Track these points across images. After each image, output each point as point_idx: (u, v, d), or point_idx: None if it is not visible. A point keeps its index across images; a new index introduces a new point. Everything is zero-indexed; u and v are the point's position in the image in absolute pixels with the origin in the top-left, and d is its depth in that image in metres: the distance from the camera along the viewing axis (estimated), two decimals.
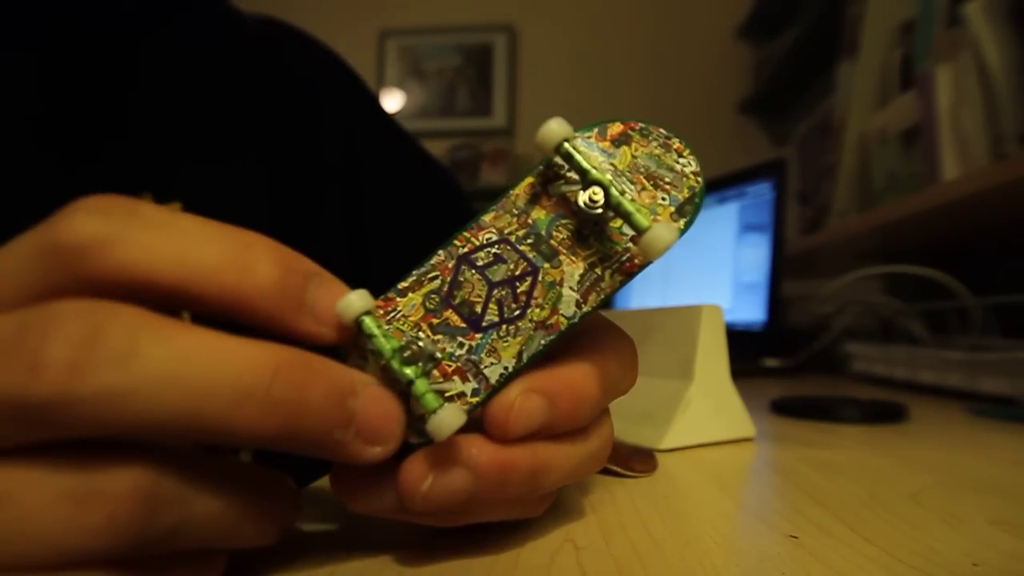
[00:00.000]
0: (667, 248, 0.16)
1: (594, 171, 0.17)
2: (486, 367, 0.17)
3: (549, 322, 0.17)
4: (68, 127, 0.31)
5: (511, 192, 0.18)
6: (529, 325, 0.17)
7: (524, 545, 0.19)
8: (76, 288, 0.13)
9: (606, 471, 0.28)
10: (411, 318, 0.17)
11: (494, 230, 0.17)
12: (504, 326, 0.17)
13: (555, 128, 0.17)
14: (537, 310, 0.17)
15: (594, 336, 0.19)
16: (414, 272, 0.17)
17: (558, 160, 0.17)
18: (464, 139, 1.89)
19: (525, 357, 0.17)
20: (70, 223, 0.13)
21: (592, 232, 0.17)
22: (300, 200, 0.40)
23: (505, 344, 0.17)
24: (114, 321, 0.12)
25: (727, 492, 0.26)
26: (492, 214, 0.18)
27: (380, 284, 0.18)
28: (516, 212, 0.18)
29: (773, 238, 0.97)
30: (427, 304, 0.17)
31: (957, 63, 0.69)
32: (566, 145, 0.17)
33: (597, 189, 0.17)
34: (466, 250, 0.17)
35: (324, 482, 0.26)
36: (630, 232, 0.17)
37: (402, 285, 0.17)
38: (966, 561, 0.18)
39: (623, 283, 0.17)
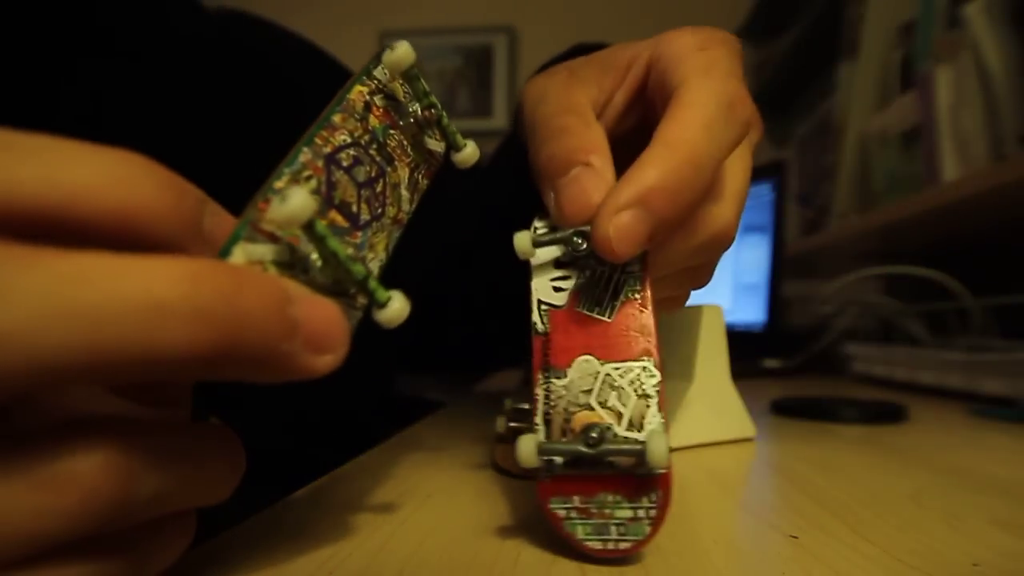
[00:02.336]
0: (475, 159, 0.21)
1: (432, 95, 0.20)
2: (369, 261, 0.18)
3: (398, 217, 0.20)
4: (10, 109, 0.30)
5: (348, 97, 0.19)
6: (388, 221, 0.19)
7: (524, 545, 0.19)
8: None
9: None
10: None
11: (345, 132, 0.18)
12: (374, 223, 0.18)
13: (409, 53, 0.19)
14: (391, 208, 0.19)
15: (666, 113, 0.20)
16: (285, 170, 0.16)
17: (399, 81, 0.20)
18: None
19: (390, 249, 0.19)
20: None
21: (412, 142, 0.21)
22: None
23: (377, 239, 0.18)
24: (132, 442, 0.11)
25: (727, 492, 0.26)
26: (340, 116, 0.18)
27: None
28: (357, 116, 0.19)
29: (773, 239, 0.97)
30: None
31: (957, 64, 0.69)
32: (414, 69, 0.19)
33: (434, 111, 0.20)
34: (329, 150, 0.17)
35: (324, 482, 0.26)
36: (433, 147, 0.21)
37: (278, 184, 0.16)
38: (966, 561, 0.18)
39: (429, 185, 0.21)
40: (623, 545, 0.18)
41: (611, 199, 0.19)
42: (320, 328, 0.13)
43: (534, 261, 0.21)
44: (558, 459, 0.18)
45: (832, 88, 1.11)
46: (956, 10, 0.70)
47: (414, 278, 0.24)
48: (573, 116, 0.22)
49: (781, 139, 1.56)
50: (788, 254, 1.08)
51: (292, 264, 0.15)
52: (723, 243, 0.23)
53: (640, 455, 0.17)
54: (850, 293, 0.93)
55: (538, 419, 0.19)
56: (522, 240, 0.20)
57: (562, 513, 0.18)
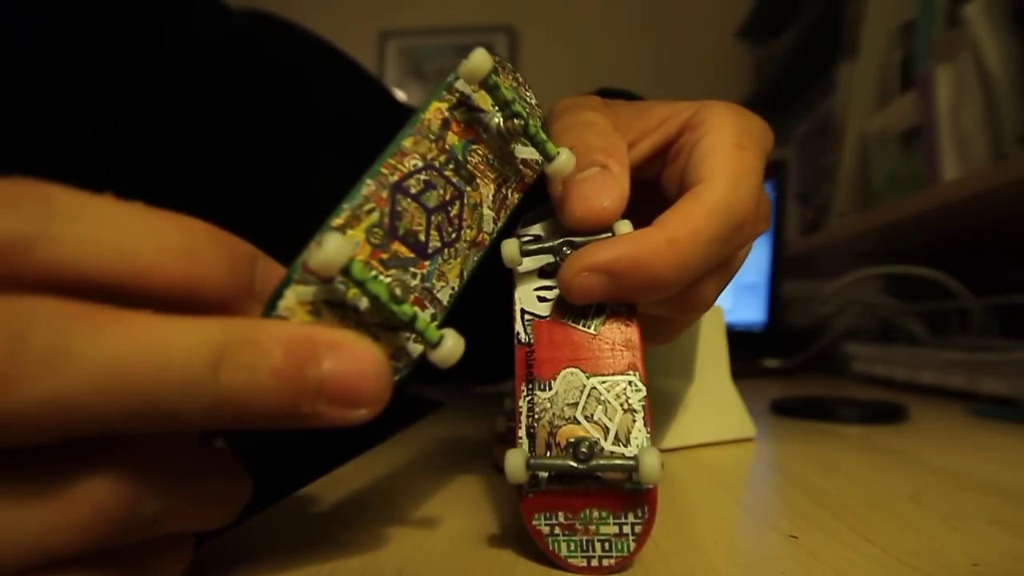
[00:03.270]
0: (570, 171, 0.19)
1: (517, 103, 0.18)
2: (438, 291, 0.17)
3: (478, 240, 0.19)
4: (37, 119, 0.30)
5: (423, 116, 0.18)
6: (464, 245, 0.18)
7: (524, 545, 0.19)
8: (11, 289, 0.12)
9: None
10: (359, 257, 0.16)
11: (417, 156, 0.18)
12: (446, 250, 0.18)
13: (485, 60, 0.17)
14: (468, 231, 0.18)
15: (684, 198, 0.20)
16: (345, 206, 0.16)
17: (479, 91, 0.19)
18: None
19: (465, 275, 0.18)
20: None
21: (497, 156, 0.19)
22: (298, 187, 0.40)
23: (449, 266, 0.18)
24: (36, 321, 0.11)
25: (727, 492, 0.26)
26: (411, 139, 0.18)
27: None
28: (433, 137, 0.18)
29: (773, 239, 0.97)
30: (371, 239, 0.16)
31: (957, 63, 0.69)
32: (493, 77, 0.18)
33: (518, 120, 0.19)
34: (396, 178, 0.17)
35: (324, 483, 0.26)
36: (527, 155, 0.20)
37: (336, 222, 0.16)
38: (966, 561, 0.18)
39: (520, 199, 0.20)
40: (607, 562, 0.17)
41: (587, 256, 0.18)
42: (350, 385, 0.14)
43: (519, 269, 0.20)
44: (543, 474, 0.17)
45: (832, 88, 1.11)
46: (956, 10, 0.70)
47: None
48: (602, 119, 0.22)
49: (781, 139, 1.55)
50: (788, 254, 1.08)
51: (343, 303, 0.15)
52: (700, 310, 0.23)
53: (632, 470, 0.17)
54: (850, 293, 0.93)
55: (521, 432, 0.18)
56: (510, 248, 0.19)
57: (546, 530, 0.18)
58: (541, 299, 0.20)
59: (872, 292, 0.93)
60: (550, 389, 0.19)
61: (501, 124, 0.19)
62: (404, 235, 0.17)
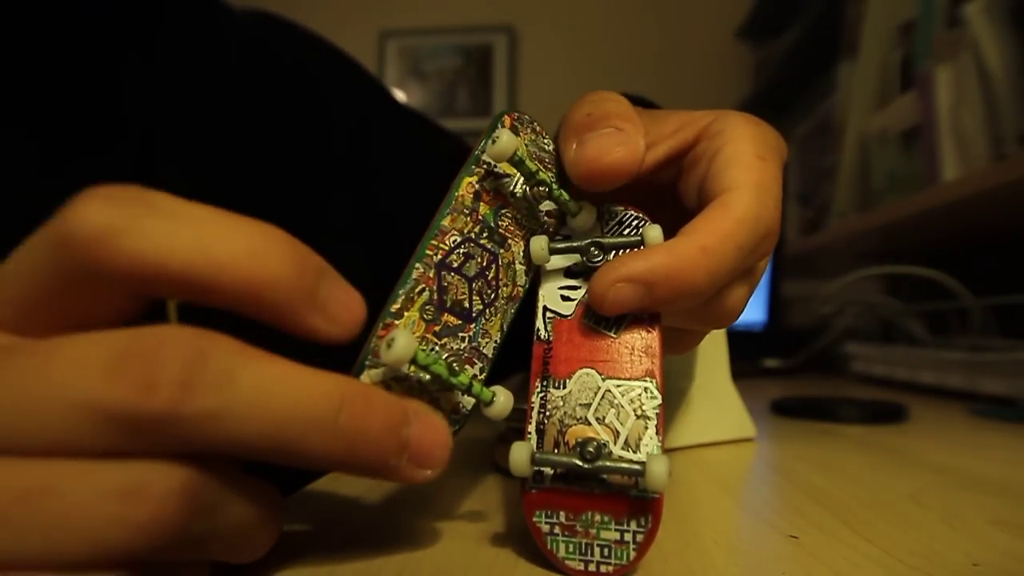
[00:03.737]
0: (591, 224, 0.21)
1: (540, 172, 0.20)
2: (483, 348, 0.19)
3: (513, 294, 0.20)
4: (60, 124, 0.31)
5: (456, 194, 0.20)
6: (503, 302, 0.20)
7: (524, 545, 0.19)
8: (89, 280, 0.13)
9: None
10: (416, 334, 0.18)
11: (455, 232, 0.19)
12: (487, 310, 0.19)
13: (511, 141, 0.19)
14: (504, 288, 0.20)
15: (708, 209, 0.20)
16: (400, 292, 0.18)
17: (507, 166, 0.20)
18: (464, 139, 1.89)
19: (505, 328, 0.20)
20: (80, 213, 0.12)
21: (525, 215, 0.21)
22: (307, 188, 0.40)
23: (491, 324, 0.19)
24: (216, 347, 0.13)
25: (727, 492, 0.26)
26: (448, 218, 0.19)
27: (399, 260, 0.19)
28: (467, 211, 0.20)
29: None
30: (424, 316, 0.18)
31: (957, 63, 0.69)
32: (518, 153, 0.19)
33: (543, 187, 0.20)
34: (440, 257, 0.19)
35: (324, 483, 0.26)
36: (549, 207, 0.21)
37: (395, 308, 0.18)
38: (966, 561, 0.18)
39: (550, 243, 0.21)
40: (605, 568, 0.17)
41: (622, 266, 0.18)
42: (426, 449, 0.16)
43: (546, 267, 0.21)
44: (548, 470, 0.18)
45: (832, 88, 1.11)
46: (956, 10, 0.70)
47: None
48: (623, 104, 0.22)
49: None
50: (788, 254, 1.08)
51: (408, 378, 0.18)
52: (727, 320, 0.23)
53: (638, 476, 0.17)
54: (850, 293, 0.93)
55: (531, 428, 0.19)
56: (539, 245, 0.20)
57: (546, 528, 0.18)
58: (564, 298, 0.20)
59: (872, 292, 0.93)
60: (564, 388, 0.19)
61: (528, 192, 0.21)
62: (452, 306, 0.19)
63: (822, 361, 0.89)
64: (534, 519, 0.18)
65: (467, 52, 1.93)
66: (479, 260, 0.19)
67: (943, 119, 0.71)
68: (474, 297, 0.19)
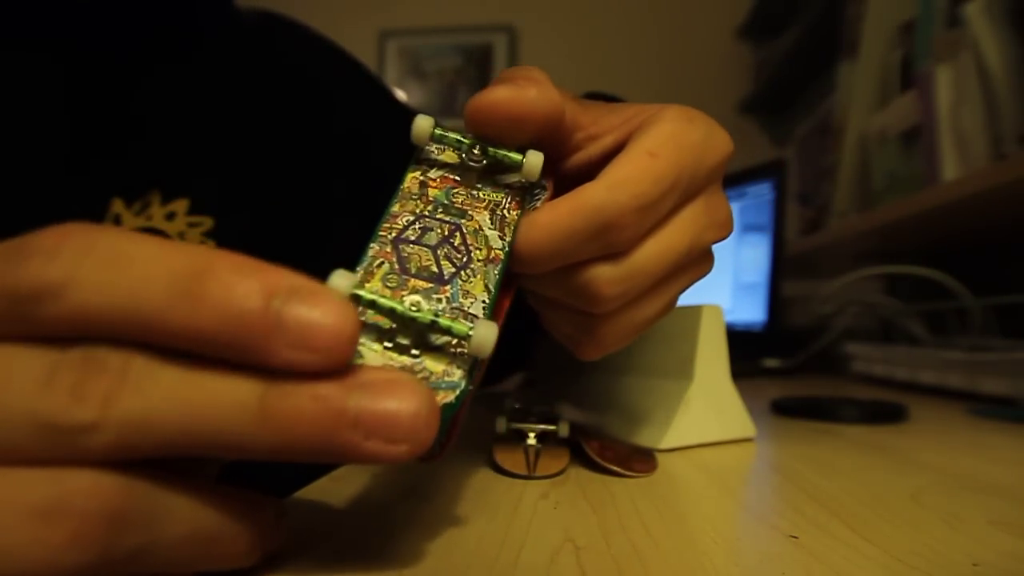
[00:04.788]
0: (539, 169, 0.22)
1: (463, 138, 0.22)
2: (468, 307, 0.19)
3: (491, 256, 0.20)
4: (86, 128, 0.31)
5: (401, 187, 0.21)
6: (479, 264, 0.20)
7: (524, 545, 0.19)
8: (37, 332, 0.13)
9: (606, 471, 0.28)
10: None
11: (407, 213, 0.20)
12: (462, 272, 0.19)
13: (424, 122, 0.21)
14: (477, 251, 0.20)
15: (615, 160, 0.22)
16: (358, 269, 0.18)
17: (431, 146, 0.22)
18: None
19: (491, 287, 0.19)
20: (24, 268, 0.13)
21: (481, 188, 0.22)
22: (309, 191, 0.40)
23: (471, 284, 0.19)
24: (135, 355, 0.13)
25: (727, 492, 0.26)
26: (397, 205, 0.21)
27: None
28: (415, 197, 0.21)
29: (773, 238, 0.97)
30: (388, 284, 0.18)
31: (957, 63, 0.69)
32: (437, 131, 0.22)
33: (475, 149, 0.22)
34: (394, 235, 0.20)
35: (324, 483, 0.26)
36: (511, 180, 0.22)
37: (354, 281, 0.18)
38: (966, 561, 0.18)
39: (520, 211, 0.22)
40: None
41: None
42: (386, 420, 0.14)
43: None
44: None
45: (832, 88, 1.11)
46: (956, 10, 0.70)
47: None
48: (536, 72, 0.23)
49: (781, 139, 1.56)
50: (788, 254, 1.08)
51: (382, 336, 0.17)
52: (592, 303, 0.23)
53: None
54: (850, 293, 0.93)
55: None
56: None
57: None
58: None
59: (872, 292, 0.93)
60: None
61: (467, 160, 0.22)
62: (417, 272, 0.19)
63: (822, 361, 0.89)
64: None
65: (467, 52, 1.93)
66: (439, 231, 0.20)
67: (943, 119, 0.71)
68: (442, 262, 0.19)
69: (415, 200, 0.21)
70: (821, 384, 0.76)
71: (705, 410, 0.35)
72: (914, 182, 0.77)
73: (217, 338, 0.13)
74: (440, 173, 0.22)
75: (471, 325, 0.17)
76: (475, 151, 0.22)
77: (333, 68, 0.46)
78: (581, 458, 0.29)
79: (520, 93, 0.21)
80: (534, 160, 0.22)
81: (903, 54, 0.88)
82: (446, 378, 0.17)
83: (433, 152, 0.22)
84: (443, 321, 0.17)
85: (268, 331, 0.13)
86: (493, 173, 0.22)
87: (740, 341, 0.57)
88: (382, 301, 0.16)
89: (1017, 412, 0.47)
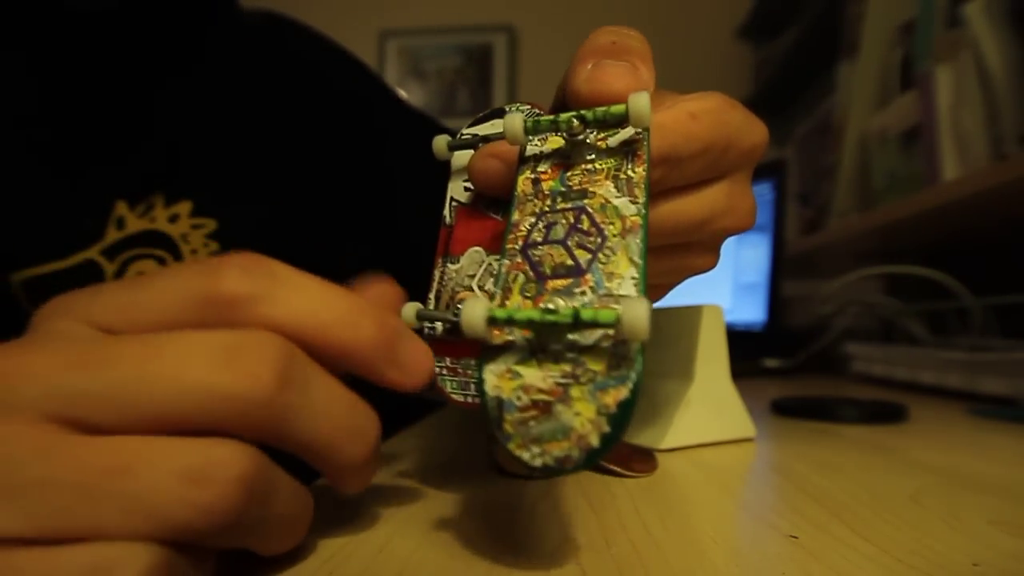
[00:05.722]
0: (648, 109, 0.19)
1: (555, 117, 0.20)
2: (616, 289, 0.17)
3: (628, 226, 0.18)
4: (72, 129, 0.31)
5: (515, 193, 0.20)
6: (616, 239, 0.18)
7: (524, 545, 0.19)
8: (220, 324, 0.16)
9: (606, 471, 0.28)
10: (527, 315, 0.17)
11: (528, 216, 0.19)
12: (599, 254, 0.18)
13: (513, 120, 0.20)
14: (610, 227, 0.18)
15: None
16: (495, 290, 0.18)
17: (530, 140, 0.21)
18: None
19: (637, 259, 0.17)
20: (226, 278, 0.16)
21: (594, 161, 0.20)
22: (315, 191, 0.40)
23: (614, 263, 0.17)
24: (298, 353, 0.16)
25: (727, 492, 0.26)
26: (516, 213, 0.20)
27: (417, 264, 0.22)
28: (531, 197, 0.20)
29: (773, 238, 0.97)
30: (526, 295, 0.17)
31: (957, 63, 0.69)
32: (528, 122, 0.20)
33: (573, 121, 0.20)
34: (520, 244, 0.19)
35: (325, 482, 0.26)
36: (621, 138, 0.20)
37: (495, 305, 0.17)
38: (966, 561, 0.18)
39: (646, 167, 0.19)
40: (474, 399, 0.21)
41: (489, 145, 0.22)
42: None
43: (454, 164, 0.24)
44: (439, 325, 0.22)
45: (832, 88, 1.11)
46: (956, 10, 0.70)
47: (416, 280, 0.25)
48: (646, 45, 0.23)
49: (781, 139, 1.56)
50: (788, 254, 1.08)
51: (534, 350, 0.16)
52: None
53: None
54: (850, 293, 0.93)
55: (431, 296, 0.23)
56: (439, 143, 0.23)
57: (437, 370, 0.22)
58: (467, 189, 0.24)
59: (872, 292, 0.93)
60: (457, 263, 0.23)
61: (567, 138, 0.20)
62: (553, 272, 0.18)
63: (822, 361, 0.89)
64: None
65: (467, 52, 1.93)
66: (564, 222, 0.19)
67: (943, 119, 0.71)
68: (576, 252, 0.18)
69: (531, 201, 0.20)
70: (821, 384, 0.75)
71: (705, 410, 0.35)
72: (914, 182, 0.77)
73: (355, 357, 0.17)
74: (548, 164, 0.21)
75: (618, 308, 0.15)
76: (575, 123, 0.20)
77: (344, 68, 0.46)
78: None
79: (638, 77, 0.21)
80: (640, 102, 0.19)
81: (903, 54, 0.88)
82: (612, 373, 0.15)
83: (535, 145, 0.21)
84: (585, 313, 0.15)
85: (390, 361, 0.17)
86: (600, 138, 0.20)
87: (740, 341, 0.57)
88: (518, 315, 0.16)
89: (1017, 412, 0.47)
